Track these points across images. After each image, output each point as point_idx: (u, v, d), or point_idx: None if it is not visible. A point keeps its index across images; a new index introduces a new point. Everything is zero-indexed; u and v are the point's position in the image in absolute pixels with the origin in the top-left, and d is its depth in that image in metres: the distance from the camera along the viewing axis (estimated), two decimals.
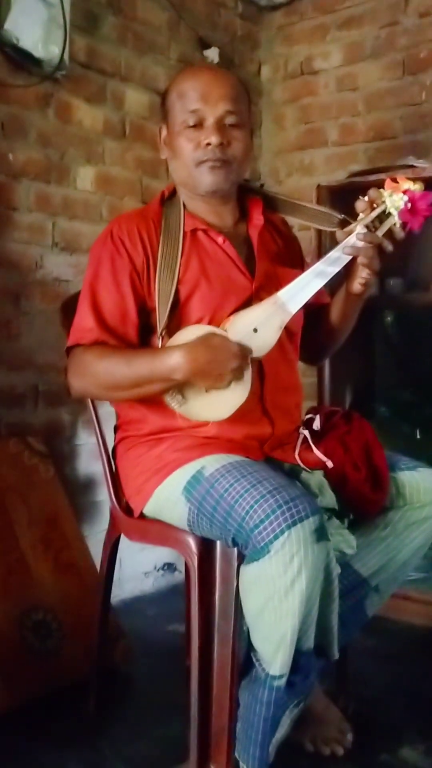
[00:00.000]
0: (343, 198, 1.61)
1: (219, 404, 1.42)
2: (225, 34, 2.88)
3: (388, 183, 1.44)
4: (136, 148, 2.55)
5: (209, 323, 1.46)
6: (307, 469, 1.47)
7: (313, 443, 1.51)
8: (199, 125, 1.49)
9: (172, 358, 1.38)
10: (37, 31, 2.10)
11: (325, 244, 2.30)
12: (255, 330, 1.44)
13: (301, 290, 1.47)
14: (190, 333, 1.43)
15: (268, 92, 3.00)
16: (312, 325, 1.65)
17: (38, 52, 2.13)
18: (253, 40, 3.00)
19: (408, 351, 2.70)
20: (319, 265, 1.47)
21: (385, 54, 2.69)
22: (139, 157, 2.56)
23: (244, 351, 1.40)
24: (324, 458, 1.48)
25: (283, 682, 1.32)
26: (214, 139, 1.47)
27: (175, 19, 2.67)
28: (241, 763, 1.39)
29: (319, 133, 2.87)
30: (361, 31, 2.74)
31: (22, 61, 2.15)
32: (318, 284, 1.47)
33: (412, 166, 2.30)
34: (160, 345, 1.46)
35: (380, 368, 2.70)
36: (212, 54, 2.76)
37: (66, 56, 2.20)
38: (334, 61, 2.82)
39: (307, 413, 1.64)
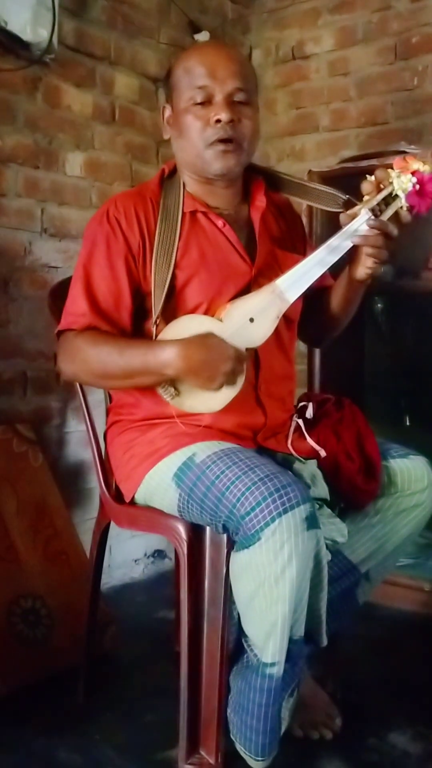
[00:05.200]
0: (335, 184, 1.59)
1: (212, 397, 1.40)
2: (216, 17, 2.85)
3: (396, 162, 1.39)
4: (126, 133, 2.53)
5: (206, 310, 1.45)
6: (300, 459, 1.47)
7: (306, 432, 1.50)
8: (207, 102, 1.44)
9: (166, 353, 1.36)
10: (25, 14, 2.06)
11: (315, 230, 2.29)
12: (251, 320, 1.41)
13: (300, 278, 1.43)
14: (184, 323, 1.41)
15: (259, 77, 2.93)
16: (313, 308, 1.62)
17: (26, 35, 2.09)
18: (243, 24, 2.97)
19: (398, 338, 2.71)
20: (320, 252, 1.43)
21: (377, 39, 2.67)
22: (129, 142, 2.54)
23: (240, 356, 1.37)
24: (317, 447, 1.48)
25: (275, 669, 1.33)
26: (224, 116, 1.42)
27: (166, 2, 2.64)
28: (240, 748, 1.40)
29: (310, 119, 2.85)
30: (353, 16, 2.72)
31: (10, 44, 2.12)
32: (318, 272, 1.44)
33: (404, 152, 2.29)
34: (154, 332, 1.44)
35: (370, 355, 2.70)
36: (203, 38, 2.73)
37: (55, 40, 2.17)
38: (325, 46, 2.80)
39: (299, 401, 1.63)
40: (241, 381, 1.40)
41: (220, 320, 1.41)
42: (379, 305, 2.63)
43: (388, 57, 2.65)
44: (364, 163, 2.23)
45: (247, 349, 1.41)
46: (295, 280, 1.43)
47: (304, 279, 1.44)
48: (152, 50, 2.60)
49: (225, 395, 1.40)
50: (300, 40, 2.86)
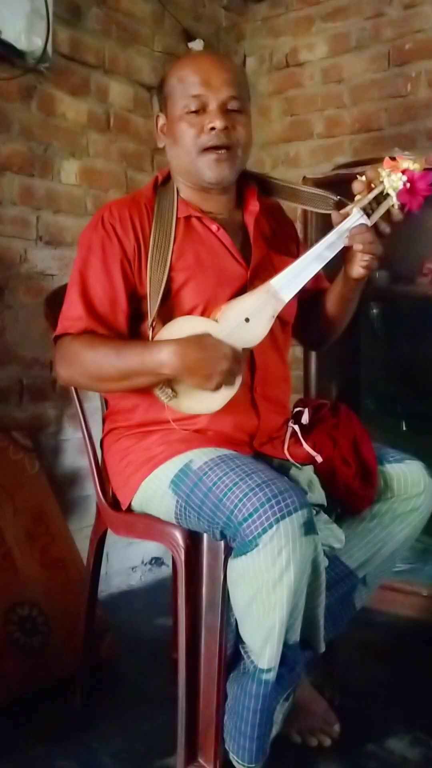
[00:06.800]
0: (329, 190, 1.60)
1: (209, 397, 1.41)
2: (210, 25, 2.86)
3: (386, 162, 1.40)
4: (121, 141, 2.53)
5: (202, 312, 1.45)
6: (297, 465, 1.47)
7: (302, 437, 1.50)
8: (201, 110, 1.46)
9: (162, 352, 1.37)
10: (19, 23, 2.07)
11: (311, 235, 2.30)
12: (247, 320, 1.42)
13: (294, 278, 1.44)
14: (180, 324, 1.42)
15: (253, 84, 2.97)
16: (309, 310, 1.62)
17: (21, 43, 2.10)
18: (237, 32, 2.99)
19: (393, 343, 2.71)
20: (312, 252, 1.44)
21: (370, 46, 2.68)
22: (124, 150, 2.54)
23: (236, 355, 1.38)
24: (313, 453, 1.48)
25: (271, 675, 1.33)
26: (218, 123, 1.44)
27: (160, 10, 2.65)
28: (231, 755, 1.39)
29: (304, 125, 2.86)
30: (347, 23, 2.73)
31: (5, 53, 2.12)
32: (312, 271, 1.45)
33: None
34: (150, 334, 1.44)
35: (366, 361, 2.71)
36: (197, 46, 2.74)
37: (49, 48, 2.17)
38: (319, 53, 2.81)
39: (295, 406, 1.63)
40: (238, 381, 1.41)
41: (216, 321, 1.42)
42: (374, 310, 2.64)
43: (382, 64, 2.66)
44: (359, 170, 2.22)
45: (243, 350, 1.42)
46: (289, 280, 1.44)
47: (298, 279, 1.45)
48: (147, 58, 2.61)
49: (223, 395, 1.40)
50: (294, 48, 2.87)
